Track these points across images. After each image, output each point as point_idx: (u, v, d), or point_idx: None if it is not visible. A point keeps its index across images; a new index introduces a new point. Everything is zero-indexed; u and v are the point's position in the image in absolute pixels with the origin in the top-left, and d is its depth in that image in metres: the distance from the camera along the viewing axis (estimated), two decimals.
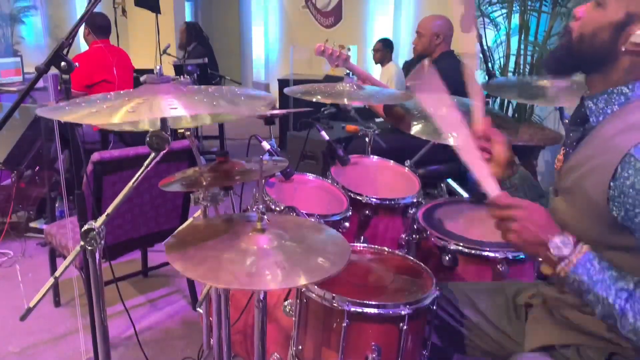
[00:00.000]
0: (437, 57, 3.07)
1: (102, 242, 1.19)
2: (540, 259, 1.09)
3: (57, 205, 3.44)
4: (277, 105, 5.91)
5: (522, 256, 1.67)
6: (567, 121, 1.30)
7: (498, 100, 3.89)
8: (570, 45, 1.12)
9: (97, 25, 3.79)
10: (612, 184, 1.00)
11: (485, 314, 1.41)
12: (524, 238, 1.06)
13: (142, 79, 1.23)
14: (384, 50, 5.32)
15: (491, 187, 1.13)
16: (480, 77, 3.48)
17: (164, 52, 5.21)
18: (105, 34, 3.87)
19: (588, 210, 1.06)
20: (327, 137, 2.15)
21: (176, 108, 1.07)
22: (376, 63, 5.42)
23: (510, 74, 4.08)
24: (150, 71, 5.31)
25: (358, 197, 1.93)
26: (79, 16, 1.39)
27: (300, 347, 1.38)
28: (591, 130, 1.11)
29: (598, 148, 1.06)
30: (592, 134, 1.10)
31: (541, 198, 1.36)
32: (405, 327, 1.26)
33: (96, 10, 1.38)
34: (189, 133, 1.52)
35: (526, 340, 1.28)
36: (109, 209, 1.19)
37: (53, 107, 1.21)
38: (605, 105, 1.10)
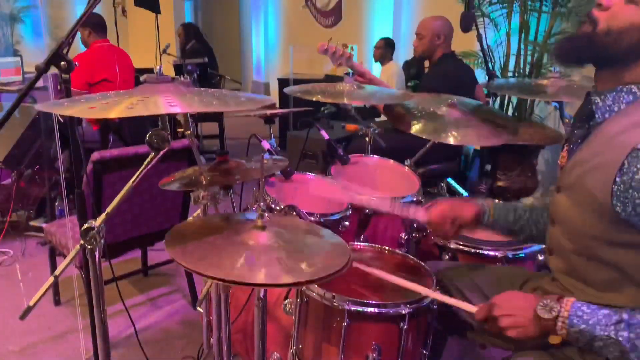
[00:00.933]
0: (438, 59, 3.07)
1: (102, 241, 1.19)
2: (548, 335, 1.09)
3: (57, 204, 3.44)
4: (277, 104, 5.91)
5: (521, 254, 1.67)
6: (567, 120, 1.30)
7: (498, 99, 3.89)
8: (593, 36, 1.05)
9: (96, 23, 3.80)
10: (617, 179, 0.99)
11: (486, 296, 1.38)
12: (517, 328, 1.09)
13: (142, 78, 1.24)
14: (385, 48, 5.32)
15: (468, 308, 1.20)
16: (481, 76, 3.48)
17: (164, 51, 5.21)
18: (104, 31, 3.88)
19: (590, 206, 1.06)
20: (327, 137, 2.15)
21: (175, 105, 1.08)
22: (376, 61, 5.42)
23: (510, 74, 4.08)
24: (150, 71, 5.31)
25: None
26: (78, 16, 1.39)
27: (300, 346, 1.38)
28: (596, 127, 1.11)
29: (603, 145, 1.05)
30: (597, 131, 1.09)
31: (519, 220, 1.38)
32: (405, 326, 1.26)
33: (95, 10, 1.37)
34: (189, 132, 1.52)
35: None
36: (109, 208, 1.19)
37: (52, 103, 1.22)
38: (612, 103, 1.08)
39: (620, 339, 0.98)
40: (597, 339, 1.01)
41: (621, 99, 1.07)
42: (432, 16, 3.11)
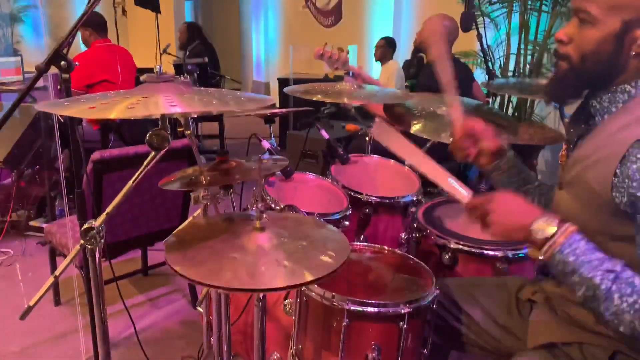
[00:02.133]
0: None
1: (102, 240, 1.19)
2: (528, 245, 1.10)
3: (57, 204, 3.44)
4: (277, 104, 5.91)
5: (521, 254, 1.67)
6: (567, 120, 1.31)
7: (498, 99, 3.89)
8: (574, 69, 1.11)
9: (97, 22, 3.78)
10: (617, 170, 1.01)
11: (485, 309, 1.40)
12: (504, 226, 1.10)
13: (142, 78, 1.24)
14: (386, 48, 5.32)
15: (461, 195, 1.20)
16: (481, 76, 3.48)
17: (164, 51, 5.21)
18: (104, 31, 3.87)
19: (591, 201, 1.07)
20: (327, 136, 2.15)
21: (175, 105, 1.08)
22: (376, 60, 5.42)
23: (510, 74, 4.08)
24: (150, 70, 5.30)
25: (358, 196, 1.93)
26: (78, 16, 1.38)
27: (300, 346, 1.38)
28: (596, 126, 1.13)
29: (603, 141, 1.07)
30: (597, 129, 1.12)
31: (527, 185, 1.38)
32: (405, 326, 1.26)
33: (95, 10, 1.38)
34: (189, 132, 1.52)
35: (529, 337, 1.28)
36: (109, 208, 1.19)
37: (52, 103, 1.22)
38: (609, 104, 1.11)
39: (602, 285, 0.98)
40: (577, 274, 1.01)
41: (617, 99, 1.10)
42: (441, 14, 3.09)
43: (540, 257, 1.05)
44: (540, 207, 1.10)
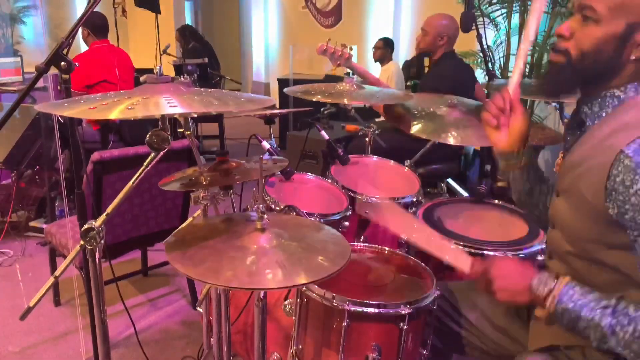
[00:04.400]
0: (439, 58, 3.06)
1: (102, 241, 1.19)
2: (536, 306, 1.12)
3: (57, 204, 3.44)
4: (277, 105, 5.91)
5: (522, 255, 1.67)
6: (567, 120, 1.30)
7: None
8: (571, 65, 1.10)
9: (96, 25, 3.78)
10: (607, 183, 1.01)
11: (485, 314, 1.41)
12: (509, 292, 1.12)
13: (141, 78, 1.24)
14: (385, 48, 5.32)
15: (464, 265, 1.22)
16: (481, 76, 3.48)
17: (164, 52, 5.22)
18: (104, 33, 3.86)
19: (585, 209, 1.07)
20: (327, 137, 2.15)
21: (176, 106, 1.08)
22: (375, 61, 5.42)
23: (510, 74, 4.08)
24: (150, 71, 5.31)
25: (358, 197, 1.93)
26: (79, 16, 1.39)
27: (300, 347, 1.38)
28: (586, 132, 1.13)
29: (593, 149, 1.07)
30: (587, 135, 1.12)
31: (542, 184, 1.35)
32: (405, 326, 1.26)
33: (95, 10, 1.38)
34: (189, 133, 1.52)
35: (530, 340, 1.28)
36: (109, 209, 1.19)
37: (52, 103, 1.22)
38: (599, 109, 1.11)
39: (603, 323, 1.00)
40: (581, 320, 1.03)
41: (607, 104, 1.10)
42: (441, 14, 3.09)
43: (547, 313, 1.08)
44: (535, 268, 1.13)
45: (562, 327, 1.08)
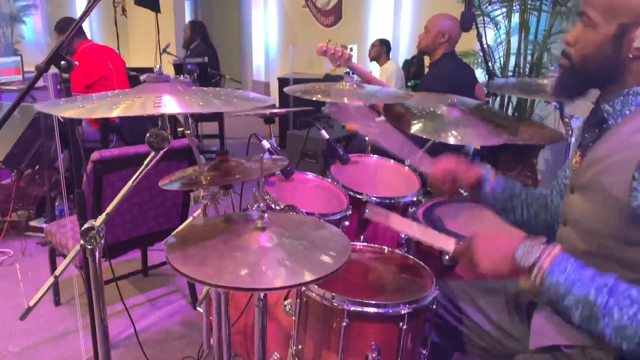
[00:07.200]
0: (439, 58, 3.06)
1: (102, 241, 1.19)
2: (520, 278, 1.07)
3: (57, 204, 3.44)
4: (277, 104, 5.91)
5: None
6: (567, 120, 1.32)
7: (498, 99, 3.89)
8: (574, 68, 1.17)
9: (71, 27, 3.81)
10: (637, 174, 1.00)
11: (485, 312, 1.41)
12: (489, 262, 1.08)
13: (142, 78, 1.24)
14: (380, 47, 5.32)
15: (447, 246, 1.22)
16: (481, 76, 3.48)
17: (164, 51, 5.21)
18: (83, 33, 3.93)
19: (607, 205, 1.06)
20: (327, 136, 2.14)
21: (174, 105, 1.08)
22: (371, 60, 5.42)
23: (510, 73, 4.08)
24: (150, 70, 5.31)
25: (358, 196, 1.93)
26: (79, 16, 1.39)
27: (300, 347, 1.38)
28: (609, 129, 1.14)
29: (619, 144, 1.07)
30: (610, 132, 1.12)
31: (512, 200, 1.45)
32: (405, 326, 1.26)
33: (95, 10, 1.37)
34: (189, 132, 1.52)
35: (531, 339, 1.27)
36: (109, 208, 1.19)
37: (52, 103, 1.22)
38: (622, 107, 1.12)
39: (599, 301, 0.95)
40: (571, 295, 0.98)
41: (629, 101, 1.12)
42: (444, 14, 3.08)
43: (531, 284, 1.03)
44: (524, 232, 1.09)
45: (543, 299, 1.03)
